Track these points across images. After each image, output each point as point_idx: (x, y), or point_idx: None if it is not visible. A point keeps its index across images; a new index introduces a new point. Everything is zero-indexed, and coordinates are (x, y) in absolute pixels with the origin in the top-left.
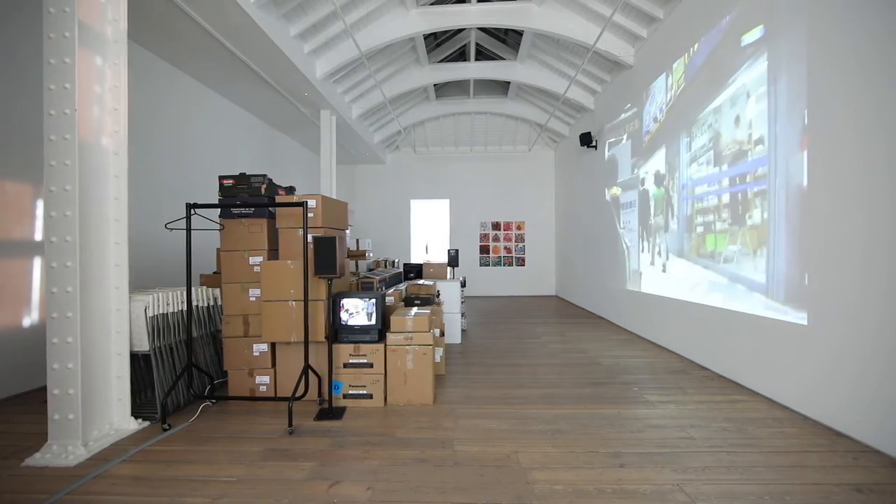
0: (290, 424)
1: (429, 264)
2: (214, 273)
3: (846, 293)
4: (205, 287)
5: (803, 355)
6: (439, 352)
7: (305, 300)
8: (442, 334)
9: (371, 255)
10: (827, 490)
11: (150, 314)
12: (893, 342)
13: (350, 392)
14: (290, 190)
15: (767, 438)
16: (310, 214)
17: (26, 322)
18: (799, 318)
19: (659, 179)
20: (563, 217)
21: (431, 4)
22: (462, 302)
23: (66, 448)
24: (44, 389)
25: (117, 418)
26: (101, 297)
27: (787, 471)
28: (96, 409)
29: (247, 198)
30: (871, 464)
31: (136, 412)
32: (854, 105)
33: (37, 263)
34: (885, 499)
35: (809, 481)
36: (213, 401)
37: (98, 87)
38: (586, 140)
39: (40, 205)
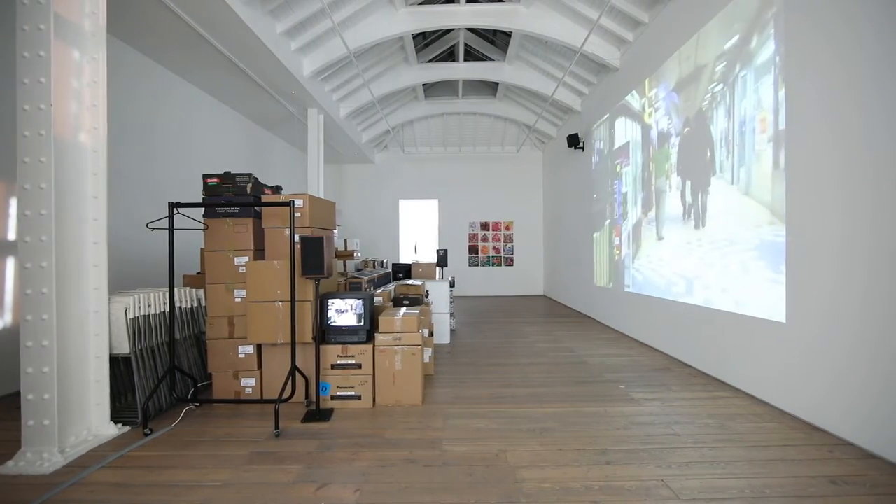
0: (277, 427)
1: (417, 264)
2: (198, 274)
3: (821, 291)
4: (188, 288)
5: (781, 352)
6: (428, 352)
7: (292, 301)
8: (431, 334)
9: (359, 255)
10: (804, 482)
11: (130, 316)
12: (868, 338)
13: (338, 393)
14: (277, 189)
15: (748, 434)
16: (297, 214)
17: None
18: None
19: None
20: (550, 217)
21: (420, 4)
22: (451, 302)
23: (41, 455)
24: (17, 394)
25: (96, 423)
26: (79, 298)
27: (766, 464)
28: (73, 415)
29: (232, 197)
30: (845, 456)
31: (116, 417)
32: (833, 105)
33: (10, 264)
34: (857, 489)
35: (787, 474)
36: (197, 404)
37: (75, 82)
38: (574, 141)
39: (14, 203)
